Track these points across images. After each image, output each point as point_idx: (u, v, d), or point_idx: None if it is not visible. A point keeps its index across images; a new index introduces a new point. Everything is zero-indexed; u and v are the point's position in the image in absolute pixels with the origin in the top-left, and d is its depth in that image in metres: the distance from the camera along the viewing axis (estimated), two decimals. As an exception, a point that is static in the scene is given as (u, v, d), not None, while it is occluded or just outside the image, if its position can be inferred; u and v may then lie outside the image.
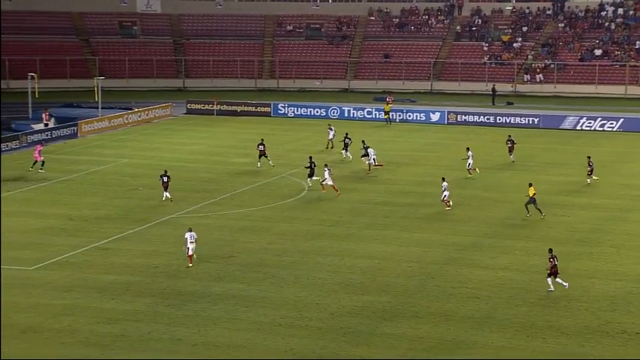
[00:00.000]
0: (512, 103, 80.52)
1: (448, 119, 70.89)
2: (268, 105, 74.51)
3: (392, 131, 67.25)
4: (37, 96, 66.92)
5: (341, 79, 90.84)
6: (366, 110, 72.90)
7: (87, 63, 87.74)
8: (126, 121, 67.85)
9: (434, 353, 26.75)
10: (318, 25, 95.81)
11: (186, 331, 28.03)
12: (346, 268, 34.38)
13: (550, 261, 31.63)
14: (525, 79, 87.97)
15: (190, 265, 34.25)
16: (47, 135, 60.56)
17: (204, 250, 36.30)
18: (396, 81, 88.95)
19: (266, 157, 52.20)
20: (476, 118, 70.86)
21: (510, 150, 54.33)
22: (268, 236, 38.66)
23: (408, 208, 43.69)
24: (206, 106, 74.27)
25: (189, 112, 74.24)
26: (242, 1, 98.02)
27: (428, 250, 36.71)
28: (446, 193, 42.83)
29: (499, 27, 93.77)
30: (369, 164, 51.12)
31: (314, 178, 47.22)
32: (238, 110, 73.95)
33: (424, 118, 71.37)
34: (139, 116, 69.52)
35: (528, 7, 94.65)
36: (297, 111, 73.37)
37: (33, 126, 62.53)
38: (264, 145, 52.40)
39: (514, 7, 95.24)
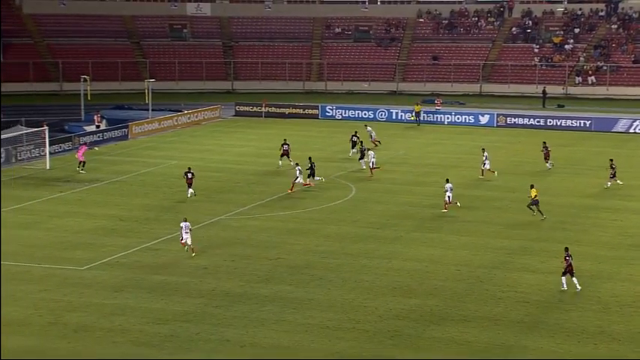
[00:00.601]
0: (563, 106, 79.49)
1: (497, 122, 70.26)
2: (316, 107, 74.62)
3: (440, 134, 66.87)
4: (89, 98, 67.91)
5: (389, 81, 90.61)
6: (414, 112, 72.56)
7: (138, 65, 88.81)
8: (175, 123, 68.52)
9: (482, 358, 26.50)
10: (367, 28, 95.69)
11: (234, 332, 28.18)
12: (394, 271, 34.25)
13: (566, 260, 31.69)
14: (577, 82, 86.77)
15: (194, 254, 35.50)
16: (99, 137, 61.43)
17: (252, 252, 36.48)
18: (445, 83, 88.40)
19: (288, 157, 52.36)
20: (526, 120, 70.11)
21: (546, 157, 52.92)
22: (315, 238, 38.69)
23: (456, 211, 43.35)
24: (254, 109, 74.65)
25: (238, 114, 74.69)
26: (291, 3, 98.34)
27: (476, 254, 36.40)
28: (449, 194, 42.54)
29: (550, 28, 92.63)
30: (370, 167, 50.46)
31: (316, 178, 47.46)
32: (286, 112, 74.19)
33: (473, 121, 70.85)
34: (189, 118, 70.17)
35: (580, 9, 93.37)
36: (345, 113, 73.35)
37: (85, 128, 63.46)
38: (287, 144, 52.64)
39: (566, 9, 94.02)
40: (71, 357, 26.25)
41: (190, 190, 45.16)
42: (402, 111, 72.86)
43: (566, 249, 32.26)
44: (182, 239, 35.95)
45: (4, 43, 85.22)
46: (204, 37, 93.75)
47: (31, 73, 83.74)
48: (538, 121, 69.87)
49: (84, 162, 50.89)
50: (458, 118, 71.42)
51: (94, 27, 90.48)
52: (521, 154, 53.23)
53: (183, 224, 36.07)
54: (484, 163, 50.03)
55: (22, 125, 53.94)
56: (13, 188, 46.86)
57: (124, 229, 39.55)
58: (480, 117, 70.96)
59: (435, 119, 71.99)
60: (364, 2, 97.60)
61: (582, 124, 68.57)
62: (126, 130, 63.73)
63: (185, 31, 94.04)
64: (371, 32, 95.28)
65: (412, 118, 70.94)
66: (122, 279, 32.87)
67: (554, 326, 28.78)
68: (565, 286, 31.76)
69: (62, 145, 56.72)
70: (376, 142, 59.11)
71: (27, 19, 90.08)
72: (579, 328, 28.62)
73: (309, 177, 47.59)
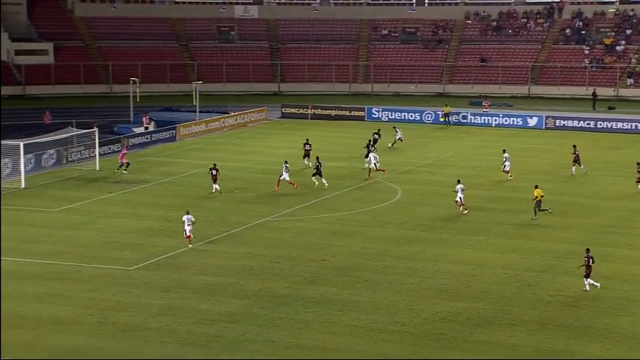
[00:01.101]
0: (614, 108, 78.26)
1: (546, 124, 69.45)
2: (362, 109, 74.54)
3: (487, 136, 66.33)
4: (138, 100, 68.69)
5: (436, 83, 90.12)
6: (461, 115, 72.17)
7: (186, 68, 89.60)
8: (222, 125, 68.97)
9: (530, 362, 26.25)
10: (414, 29, 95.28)
11: (279, 333, 28.25)
12: (440, 274, 34.03)
13: (584, 260, 31.72)
14: (628, 83, 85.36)
15: (190, 245, 36.70)
16: (147, 138, 62.08)
17: (297, 253, 36.55)
18: (493, 85, 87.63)
19: (308, 157, 52.45)
20: (575, 123, 69.19)
21: (575, 160, 51.76)
22: (361, 240, 38.62)
23: (503, 214, 42.98)
24: (300, 110, 74.83)
25: (284, 115, 74.94)
26: (338, 5, 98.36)
27: (524, 257, 36.00)
28: (460, 195, 42.31)
29: (601, 30, 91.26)
30: (370, 169, 50.19)
31: (323, 181, 47.75)
32: (332, 114, 74.24)
33: (521, 123, 70.15)
34: (235, 120, 70.60)
35: (633, 10, 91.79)
36: (392, 115, 73.12)
37: (134, 129, 64.21)
38: (310, 144, 52.75)
39: (617, 10, 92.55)
40: (120, 356, 26.53)
41: (215, 186, 45.94)
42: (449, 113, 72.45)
43: (588, 250, 32.22)
44: (186, 234, 36.87)
45: (56, 45, 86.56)
46: (252, 39, 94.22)
47: (82, 75, 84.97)
48: (588, 124, 68.89)
49: (127, 163, 51.41)
50: (506, 121, 70.78)
51: (144, 30, 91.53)
52: (569, 157, 52.49)
53: (185, 217, 37.10)
54: (504, 165, 49.80)
55: (72, 127, 54.71)
56: (64, 189, 47.59)
57: (171, 230, 39.89)
58: (529, 119, 70.22)
59: (482, 121, 71.43)
60: (411, 4, 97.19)
61: (634, 127, 67.43)
62: (173, 131, 64.32)
63: (233, 33, 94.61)
64: (418, 34, 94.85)
65: (442, 120, 70.71)
66: (169, 279, 33.16)
67: (603, 331, 28.33)
68: (587, 287, 31.78)
69: (111, 147, 57.43)
70: (398, 142, 59.39)
71: (78, 22, 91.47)
72: (630, 333, 28.13)
73: (314, 176, 47.95)
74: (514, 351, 26.94)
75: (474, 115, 71.52)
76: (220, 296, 31.45)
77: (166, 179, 50.55)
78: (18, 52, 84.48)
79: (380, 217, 42.70)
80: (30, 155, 50.46)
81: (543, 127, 69.09)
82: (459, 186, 42.70)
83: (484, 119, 71.60)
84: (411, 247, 37.53)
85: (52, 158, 52.94)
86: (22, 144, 48.50)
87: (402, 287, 32.55)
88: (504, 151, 50.76)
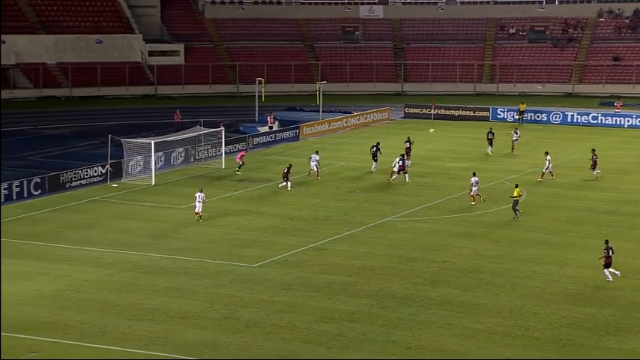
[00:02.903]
0: None
1: (682, 125, 66.52)
2: (487, 109, 73.35)
3: (619, 137, 64.08)
4: (263, 100, 69.89)
5: (565, 82, 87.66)
6: (591, 115, 70.01)
7: (310, 68, 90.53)
8: (345, 125, 69.28)
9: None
10: (543, 28, 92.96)
11: (400, 333, 28.13)
12: (566, 278, 33.09)
13: (604, 252, 32.32)
14: None
15: (201, 220, 40.32)
16: (271, 137, 63.07)
17: (419, 254, 36.31)
18: (626, 85, 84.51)
19: (375, 160, 51.85)
20: None
21: (594, 165, 49.88)
22: (484, 242, 38.01)
23: (635, 217, 41.42)
24: (423, 110, 74.30)
25: (407, 115, 74.57)
26: (464, 4, 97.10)
27: (657, 264, 34.58)
28: (475, 188, 42.87)
29: None
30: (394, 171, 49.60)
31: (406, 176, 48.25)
32: (456, 115, 73.38)
33: (656, 124, 67.46)
34: (358, 120, 70.77)
35: None
36: (517, 115, 71.57)
37: (259, 128, 65.35)
38: (378, 147, 52.23)
39: None
40: (243, 351, 26.99)
41: (289, 183, 46.92)
42: (578, 114, 70.41)
43: (607, 242, 32.89)
44: (196, 209, 40.22)
45: (186, 46, 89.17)
46: (376, 39, 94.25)
47: (210, 75, 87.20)
48: None
49: (241, 164, 52.09)
50: (639, 122, 68.18)
51: (270, 30, 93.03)
52: None
53: (198, 194, 40.50)
54: (547, 167, 48.84)
55: (200, 126, 56.18)
56: (191, 186, 48.89)
57: (294, 229, 40.37)
58: (664, 120, 67.43)
59: (613, 122, 69.09)
60: (541, 2, 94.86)
61: None
62: (297, 131, 65.08)
63: (357, 33, 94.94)
64: (547, 33, 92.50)
65: (517, 117, 68.94)
66: (291, 277, 33.56)
67: None
68: (610, 277, 32.38)
69: (237, 145, 58.63)
70: (513, 146, 58.04)
71: (208, 23, 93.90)
72: None
73: (399, 172, 48.66)
74: (644, 361, 25.94)
75: (605, 116, 69.23)
76: (341, 295, 31.58)
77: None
78: (151, 53, 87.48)
79: (503, 218, 41.89)
80: (160, 153, 52.14)
81: (680, 128, 66.23)
82: (474, 179, 43.68)
83: (615, 120, 69.18)
84: (535, 250, 36.65)
85: (181, 156, 54.53)
86: (152, 142, 50.14)
87: (526, 291, 31.84)
88: (547, 153, 49.73)
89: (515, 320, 29.06)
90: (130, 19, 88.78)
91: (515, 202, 41.64)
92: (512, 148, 58.31)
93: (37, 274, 33.45)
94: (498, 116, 72.25)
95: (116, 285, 32.43)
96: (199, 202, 40.66)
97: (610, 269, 32.57)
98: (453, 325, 28.71)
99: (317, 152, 51.27)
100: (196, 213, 40.78)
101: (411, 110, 75.06)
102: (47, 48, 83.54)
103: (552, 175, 49.45)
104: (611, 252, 32.54)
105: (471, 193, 44.12)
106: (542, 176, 49.35)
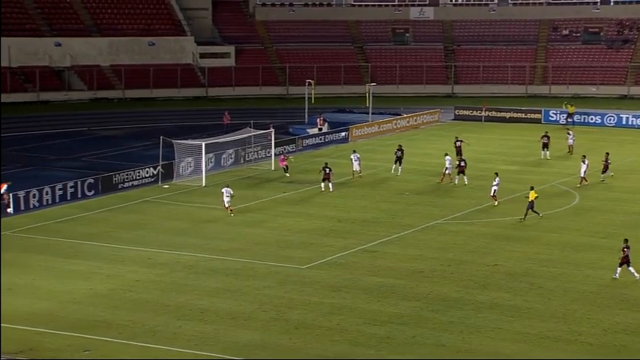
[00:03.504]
0: None
1: None
2: (539, 111, 72.51)
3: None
4: (313, 102, 70.01)
5: (619, 84, 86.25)
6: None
7: (360, 69, 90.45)
8: (394, 127, 69.05)
9: None
10: (597, 29, 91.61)
11: (450, 337, 27.94)
12: (620, 283, 32.55)
13: (624, 251, 32.63)
14: None
15: (232, 215, 41.80)
16: (320, 139, 63.14)
17: (469, 257, 36.04)
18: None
19: (399, 164, 51.45)
20: None
21: (605, 168, 49.13)
22: (535, 246, 37.58)
23: (691, 222, 40.58)
24: (474, 112, 73.75)
25: (457, 118, 74.08)
26: (517, 5, 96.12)
27: None
28: (495, 188, 43.66)
29: None
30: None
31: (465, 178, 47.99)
32: (507, 117, 72.66)
33: None
34: (407, 122, 70.51)
35: None
36: (570, 118, 70.63)
37: (308, 130, 65.49)
38: (402, 150, 51.87)
39: None
40: (292, 353, 27.06)
41: (330, 184, 47.15)
42: (634, 116, 69.21)
43: (626, 240, 33.19)
44: (225, 205, 41.76)
45: (237, 48, 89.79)
46: (426, 40, 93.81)
47: (260, 77, 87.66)
48: None
49: (286, 167, 52.12)
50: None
51: (320, 32, 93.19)
52: None
53: (224, 189, 42.12)
54: (584, 172, 48.10)
55: (250, 127, 56.50)
56: (241, 188, 49.20)
57: (342, 230, 40.36)
58: None
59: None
60: (595, 3, 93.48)
61: None
62: (346, 133, 65.06)
63: (407, 35, 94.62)
64: (601, 34, 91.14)
65: (567, 120, 68.46)
66: (340, 279, 33.55)
67: None
68: (617, 275, 32.66)
69: (286, 147, 58.83)
70: (570, 149, 57.40)
71: (259, 25, 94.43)
72: None
73: (458, 174, 48.50)
74: (701, 369, 25.38)
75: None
76: (390, 298, 31.49)
77: (337, 180, 51.13)
78: (202, 55, 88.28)
79: (555, 222, 41.37)
80: (211, 154, 52.55)
81: None
82: (497, 179, 44.14)
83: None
84: (588, 255, 36.13)
85: (231, 158, 54.90)
86: (203, 144, 50.56)
87: (579, 295, 31.40)
88: (584, 156, 49.09)
89: (568, 325, 28.67)
90: (182, 21, 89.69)
91: (531, 204, 41.11)
92: (570, 152, 57.37)
93: (91, 274, 33.98)
94: (550, 118, 71.38)
95: (167, 285, 32.77)
96: (227, 197, 42.17)
97: (630, 268, 32.71)
98: (503, 330, 28.43)
99: (355, 151, 51.69)
100: (226, 208, 42.18)
101: (462, 112, 74.55)
102: (101, 50, 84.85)
103: (586, 181, 48.47)
104: (629, 251, 32.87)
105: (491, 194, 44.11)
106: (580, 182, 48.41)
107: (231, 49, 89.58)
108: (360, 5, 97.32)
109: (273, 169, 54.02)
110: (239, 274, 34.19)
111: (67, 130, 67.57)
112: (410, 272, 34.32)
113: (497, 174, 45.09)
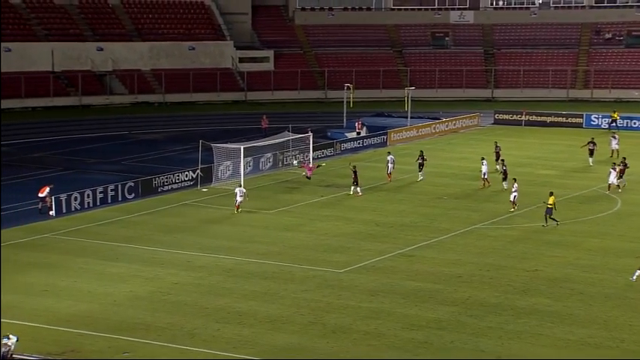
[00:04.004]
0: None
1: None
2: (580, 116, 71.72)
3: None
4: (351, 106, 69.99)
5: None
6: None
7: (399, 73, 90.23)
8: (433, 131, 68.76)
9: None
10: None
11: (489, 342, 27.72)
12: (663, 291, 32.05)
13: None
14: None
15: (237, 212, 42.87)
16: (359, 143, 63.08)
17: (508, 262, 35.74)
18: None
19: (421, 169, 51.59)
20: None
21: (621, 173, 48.20)
22: (576, 251, 37.14)
23: None
24: (514, 117, 73.15)
25: (497, 122, 73.51)
26: (558, 9, 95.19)
27: None
28: (515, 193, 43.33)
29: None
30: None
31: (358, 189, 47.56)
32: (548, 121, 71.98)
33: None
34: (446, 126, 70.14)
35: None
36: (612, 122, 69.73)
37: (346, 134, 65.45)
38: (424, 157, 51.72)
39: None
40: (329, 357, 27.03)
41: (358, 188, 47.43)
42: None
43: None
44: (237, 203, 42.73)
45: (276, 53, 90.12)
46: (466, 44, 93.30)
47: (299, 81, 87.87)
48: None
49: (309, 176, 51.79)
50: None
51: (359, 36, 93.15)
52: None
53: (237, 189, 43.24)
54: (612, 179, 47.61)
55: (289, 131, 56.62)
56: (279, 191, 49.33)
57: (380, 235, 40.26)
58: None
59: None
60: (639, 6, 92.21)
61: None
62: (385, 137, 64.92)
63: (447, 39, 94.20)
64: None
65: (612, 124, 67.56)
66: (378, 283, 33.45)
67: None
68: (635, 278, 32.39)
69: (324, 151, 58.85)
70: (617, 152, 56.54)
71: (298, 29, 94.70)
72: None
73: (503, 181, 48.07)
74: None
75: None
76: (428, 302, 31.32)
77: (376, 184, 51.08)
78: (241, 60, 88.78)
79: (597, 227, 40.87)
80: (249, 158, 52.78)
81: None
82: (515, 185, 43.78)
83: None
84: (631, 261, 35.58)
85: (269, 161, 55.07)
86: (242, 147, 50.78)
87: (620, 302, 30.97)
88: (614, 164, 48.71)
89: (609, 332, 28.29)
90: (221, 26, 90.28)
91: (549, 210, 40.61)
92: (614, 157, 56.58)
93: (131, 276, 34.28)
94: (592, 123, 70.58)
95: (205, 288, 32.94)
96: (240, 196, 43.19)
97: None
98: (544, 336, 28.13)
99: (389, 153, 52.19)
100: (236, 207, 43.11)
101: (502, 117, 73.97)
102: (142, 55, 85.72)
103: (617, 187, 47.82)
104: None
105: (511, 199, 43.84)
106: (609, 188, 47.76)
107: (270, 53, 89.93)
108: (399, 9, 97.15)
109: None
110: (276, 277, 34.26)
111: (108, 133, 68.35)
112: (448, 277, 34.11)
113: (515, 179, 44.58)
